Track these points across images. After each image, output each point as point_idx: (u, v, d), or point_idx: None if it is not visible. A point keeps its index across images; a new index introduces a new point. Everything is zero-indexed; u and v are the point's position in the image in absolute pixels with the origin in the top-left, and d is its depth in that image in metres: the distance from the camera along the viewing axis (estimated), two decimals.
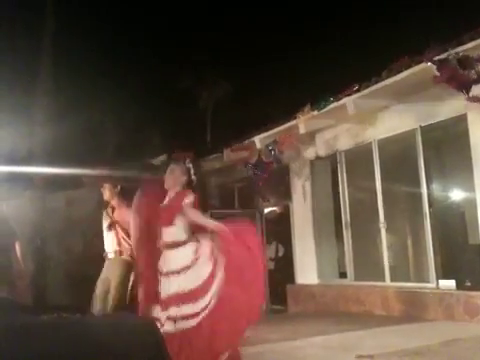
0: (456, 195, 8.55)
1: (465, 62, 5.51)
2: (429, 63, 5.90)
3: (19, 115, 10.94)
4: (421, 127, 7.26)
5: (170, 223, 3.97)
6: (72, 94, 13.17)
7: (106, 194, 5.64)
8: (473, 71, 5.42)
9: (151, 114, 15.69)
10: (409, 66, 6.48)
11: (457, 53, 5.64)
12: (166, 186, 4.15)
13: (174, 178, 4.14)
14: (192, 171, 4.19)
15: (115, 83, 14.95)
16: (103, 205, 5.67)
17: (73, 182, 9.34)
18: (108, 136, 14.87)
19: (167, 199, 4.15)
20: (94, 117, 14.21)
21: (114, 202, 5.60)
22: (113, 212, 5.58)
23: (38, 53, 11.05)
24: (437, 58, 5.78)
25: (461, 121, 6.75)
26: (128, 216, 4.51)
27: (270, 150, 8.43)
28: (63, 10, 12.41)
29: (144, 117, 15.31)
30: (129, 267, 5.33)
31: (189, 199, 4.00)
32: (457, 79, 5.52)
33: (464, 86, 5.54)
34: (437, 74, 5.72)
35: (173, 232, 3.96)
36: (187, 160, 4.19)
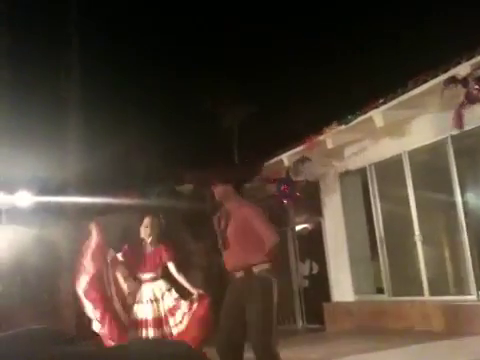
0: None
1: None
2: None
3: (52, 146, 11.24)
4: (452, 136, 7.13)
5: None
6: (98, 124, 13.45)
7: None
8: None
9: (178, 139, 15.85)
10: (435, 76, 6.41)
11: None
12: None
13: None
14: None
15: (143, 110, 15.23)
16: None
17: (105, 210, 9.47)
18: (137, 164, 15.08)
19: None
20: (123, 145, 14.44)
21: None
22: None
23: (69, 84, 11.37)
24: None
25: None
26: None
27: (298, 163, 8.42)
28: (90, 39, 12.81)
29: (170, 143, 15.47)
30: None
31: None
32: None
33: None
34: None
35: None
36: None
